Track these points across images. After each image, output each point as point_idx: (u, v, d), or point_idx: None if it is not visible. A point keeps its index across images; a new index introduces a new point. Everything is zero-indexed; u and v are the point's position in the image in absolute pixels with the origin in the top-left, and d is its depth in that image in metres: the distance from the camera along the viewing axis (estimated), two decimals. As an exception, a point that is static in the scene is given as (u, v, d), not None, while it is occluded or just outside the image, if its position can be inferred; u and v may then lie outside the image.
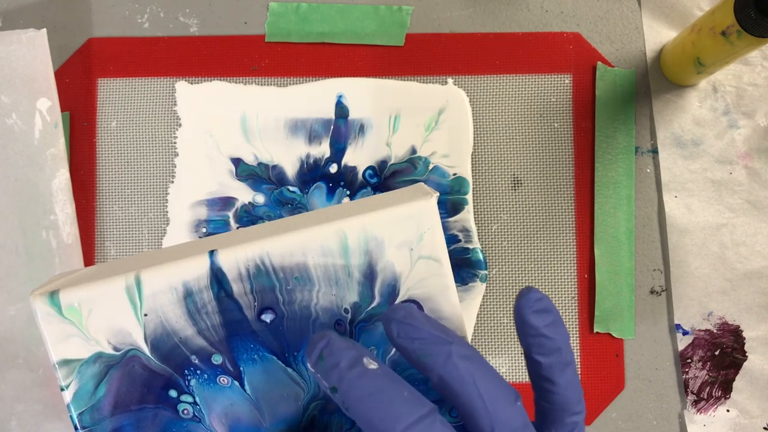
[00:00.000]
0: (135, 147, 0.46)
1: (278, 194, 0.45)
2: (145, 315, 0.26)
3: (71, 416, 0.27)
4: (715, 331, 0.44)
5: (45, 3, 0.47)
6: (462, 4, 0.46)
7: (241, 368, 0.27)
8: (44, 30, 0.45)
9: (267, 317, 0.27)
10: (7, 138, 0.44)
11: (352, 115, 0.45)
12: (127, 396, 0.27)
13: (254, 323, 0.27)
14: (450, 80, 0.46)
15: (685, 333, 0.44)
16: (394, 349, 0.27)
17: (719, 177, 0.45)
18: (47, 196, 0.44)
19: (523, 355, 0.45)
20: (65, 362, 0.26)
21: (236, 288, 0.26)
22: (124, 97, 0.46)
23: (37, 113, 0.44)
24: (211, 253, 0.26)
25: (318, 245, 0.26)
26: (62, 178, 0.44)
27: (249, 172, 0.45)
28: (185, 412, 0.27)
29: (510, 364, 0.45)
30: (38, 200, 0.44)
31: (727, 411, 0.44)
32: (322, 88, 0.46)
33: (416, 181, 0.45)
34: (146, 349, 0.26)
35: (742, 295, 0.45)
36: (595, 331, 0.44)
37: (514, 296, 0.45)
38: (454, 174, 0.45)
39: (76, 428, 0.27)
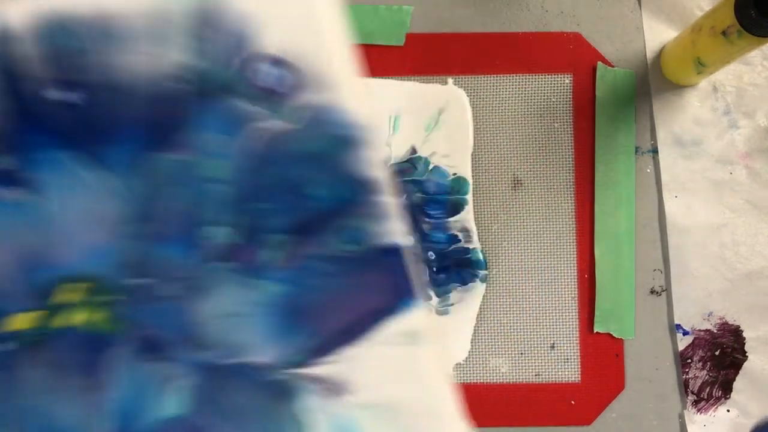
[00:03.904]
0: (135, 147, 0.46)
1: (278, 194, 0.45)
2: None
3: None
4: (715, 331, 0.44)
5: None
6: (462, 3, 0.46)
7: (30, 174, 0.17)
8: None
9: (67, 95, 0.17)
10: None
11: (352, 115, 0.45)
12: None
13: (44, 104, 0.17)
14: (450, 80, 0.46)
15: (685, 333, 0.44)
16: (250, 135, 0.18)
17: (719, 177, 0.45)
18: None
19: (522, 355, 0.45)
20: None
21: (25, 52, 0.17)
22: (124, 97, 0.46)
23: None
24: None
25: None
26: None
27: (249, 172, 0.45)
28: None
29: (510, 364, 0.45)
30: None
31: (728, 411, 0.44)
32: (322, 88, 0.46)
33: (417, 182, 0.45)
34: None
35: (742, 295, 0.44)
36: (595, 331, 0.44)
37: (514, 296, 0.45)
38: (454, 174, 0.45)
39: None
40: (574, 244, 0.45)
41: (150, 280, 0.18)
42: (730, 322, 0.44)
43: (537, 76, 0.46)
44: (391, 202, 0.19)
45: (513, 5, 0.46)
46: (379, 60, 0.46)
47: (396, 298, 0.19)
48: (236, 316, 0.18)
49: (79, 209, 0.18)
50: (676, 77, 0.45)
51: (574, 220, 0.45)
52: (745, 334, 0.44)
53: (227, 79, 0.18)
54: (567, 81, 0.46)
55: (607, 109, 0.45)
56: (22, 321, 0.18)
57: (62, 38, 0.17)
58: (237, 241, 0.18)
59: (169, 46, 0.17)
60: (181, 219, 0.18)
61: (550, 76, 0.46)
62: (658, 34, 0.46)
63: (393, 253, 0.19)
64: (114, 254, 0.18)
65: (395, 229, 0.19)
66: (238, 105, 0.18)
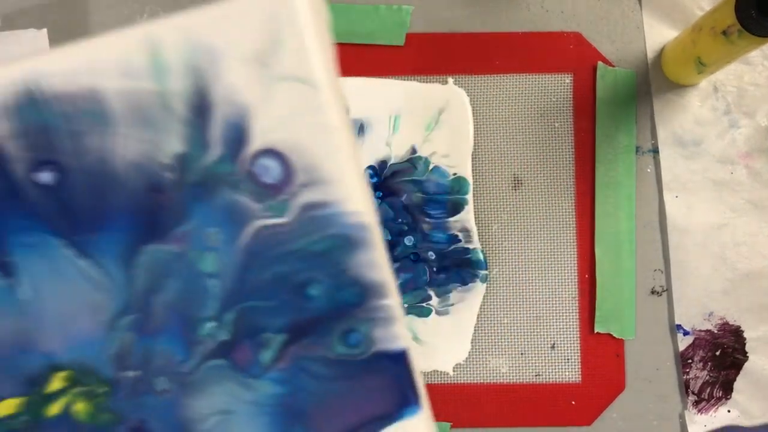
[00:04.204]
0: (135, 147, 0.46)
1: (278, 194, 0.45)
2: None
3: None
4: (715, 331, 0.44)
5: (44, 3, 0.47)
6: (462, 3, 0.46)
7: (12, 259, 0.17)
8: (45, 30, 0.45)
9: (45, 176, 0.17)
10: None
11: (352, 114, 0.45)
12: None
13: (27, 186, 0.17)
14: (450, 80, 0.46)
15: (685, 333, 0.44)
16: (247, 231, 0.18)
17: (720, 177, 0.45)
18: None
19: (522, 355, 0.45)
20: None
21: None
22: (124, 96, 0.46)
23: (37, 113, 0.44)
24: None
25: (115, 60, 0.16)
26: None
27: (249, 172, 0.45)
28: None
29: (510, 365, 0.45)
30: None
31: (728, 411, 0.44)
32: (322, 87, 0.46)
33: (417, 182, 0.45)
34: None
35: (743, 296, 0.44)
36: (595, 331, 0.44)
37: (515, 296, 0.45)
38: (454, 174, 0.45)
39: None
40: (575, 244, 0.45)
41: (140, 373, 0.18)
42: (731, 323, 0.44)
43: (537, 76, 0.46)
44: (395, 305, 0.18)
45: (513, 5, 0.46)
46: (379, 60, 0.46)
47: (397, 405, 0.18)
48: (229, 415, 0.18)
49: (66, 297, 0.17)
50: (677, 77, 0.45)
51: (574, 220, 0.45)
52: (745, 335, 0.44)
53: (222, 170, 0.18)
54: (567, 81, 0.46)
55: (607, 108, 0.45)
56: (7, 407, 0.18)
57: (33, 114, 0.16)
58: (232, 338, 0.18)
59: (161, 133, 0.17)
60: (174, 313, 0.18)
61: (550, 76, 0.46)
62: (658, 33, 0.46)
63: (397, 358, 0.18)
64: (104, 345, 0.18)
65: (400, 334, 0.18)
66: (232, 198, 0.18)
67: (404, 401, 0.18)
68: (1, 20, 0.46)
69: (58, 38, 0.46)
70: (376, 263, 0.18)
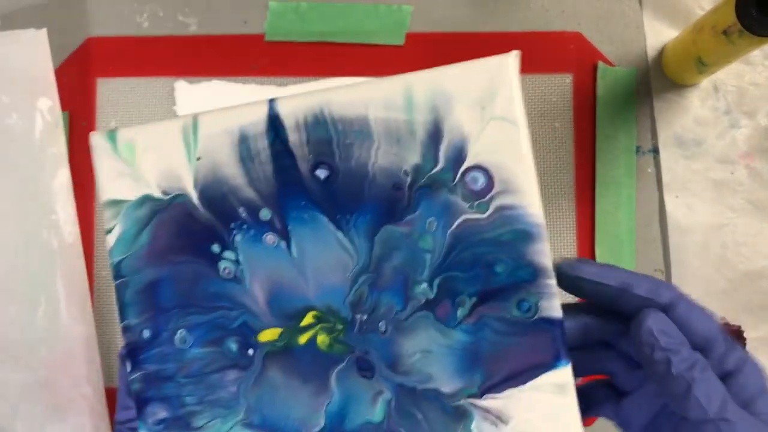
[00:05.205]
0: (135, 147, 0.46)
1: (278, 194, 0.45)
2: (198, 158, 0.25)
3: (111, 263, 0.26)
4: (716, 331, 0.44)
5: (43, 2, 0.46)
6: (462, 3, 0.46)
7: (290, 228, 0.26)
8: (44, 30, 0.45)
9: (321, 173, 0.25)
10: (7, 138, 0.44)
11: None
12: (168, 245, 0.26)
13: (307, 178, 0.25)
14: (450, 80, 0.46)
15: (686, 333, 0.44)
16: (456, 222, 0.25)
17: (720, 177, 0.45)
18: (48, 195, 0.44)
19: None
20: (113, 203, 0.26)
21: (292, 138, 0.25)
22: (123, 96, 0.46)
23: (37, 113, 0.44)
24: (271, 100, 0.26)
25: (381, 97, 0.25)
26: (63, 177, 0.44)
27: (249, 172, 0.45)
28: (226, 271, 0.26)
29: (510, 365, 0.45)
30: (39, 200, 0.44)
31: (728, 411, 0.44)
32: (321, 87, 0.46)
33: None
34: (194, 195, 0.26)
35: (743, 296, 0.44)
36: (595, 331, 0.44)
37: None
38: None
39: (115, 278, 0.26)
40: (575, 244, 0.45)
41: (368, 316, 0.26)
42: (732, 322, 0.44)
43: (537, 76, 0.46)
44: (555, 284, 0.25)
45: (513, 4, 0.46)
46: (379, 60, 0.46)
47: (553, 358, 0.25)
48: (429, 353, 0.25)
49: (323, 258, 0.26)
50: (678, 77, 0.44)
51: (574, 220, 0.45)
52: (746, 335, 0.44)
53: (443, 178, 0.25)
54: (567, 81, 0.46)
55: (607, 108, 0.45)
56: (271, 334, 0.26)
57: (319, 130, 0.25)
58: (437, 297, 0.25)
59: (405, 150, 0.25)
60: (398, 275, 0.25)
61: (550, 76, 0.46)
62: (659, 33, 0.46)
63: (555, 323, 0.25)
64: (345, 294, 0.26)
65: (557, 306, 0.25)
66: (448, 198, 0.25)
67: (557, 355, 0.25)
68: (1, 20, 0.46)
69: (57, 38, 0.46)
70: (545, 252, 0.25)
